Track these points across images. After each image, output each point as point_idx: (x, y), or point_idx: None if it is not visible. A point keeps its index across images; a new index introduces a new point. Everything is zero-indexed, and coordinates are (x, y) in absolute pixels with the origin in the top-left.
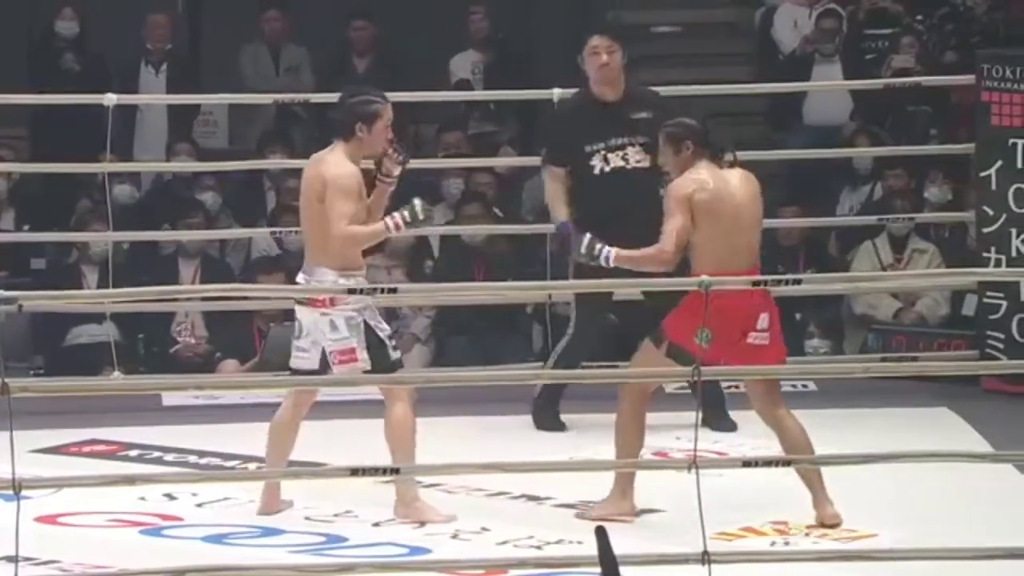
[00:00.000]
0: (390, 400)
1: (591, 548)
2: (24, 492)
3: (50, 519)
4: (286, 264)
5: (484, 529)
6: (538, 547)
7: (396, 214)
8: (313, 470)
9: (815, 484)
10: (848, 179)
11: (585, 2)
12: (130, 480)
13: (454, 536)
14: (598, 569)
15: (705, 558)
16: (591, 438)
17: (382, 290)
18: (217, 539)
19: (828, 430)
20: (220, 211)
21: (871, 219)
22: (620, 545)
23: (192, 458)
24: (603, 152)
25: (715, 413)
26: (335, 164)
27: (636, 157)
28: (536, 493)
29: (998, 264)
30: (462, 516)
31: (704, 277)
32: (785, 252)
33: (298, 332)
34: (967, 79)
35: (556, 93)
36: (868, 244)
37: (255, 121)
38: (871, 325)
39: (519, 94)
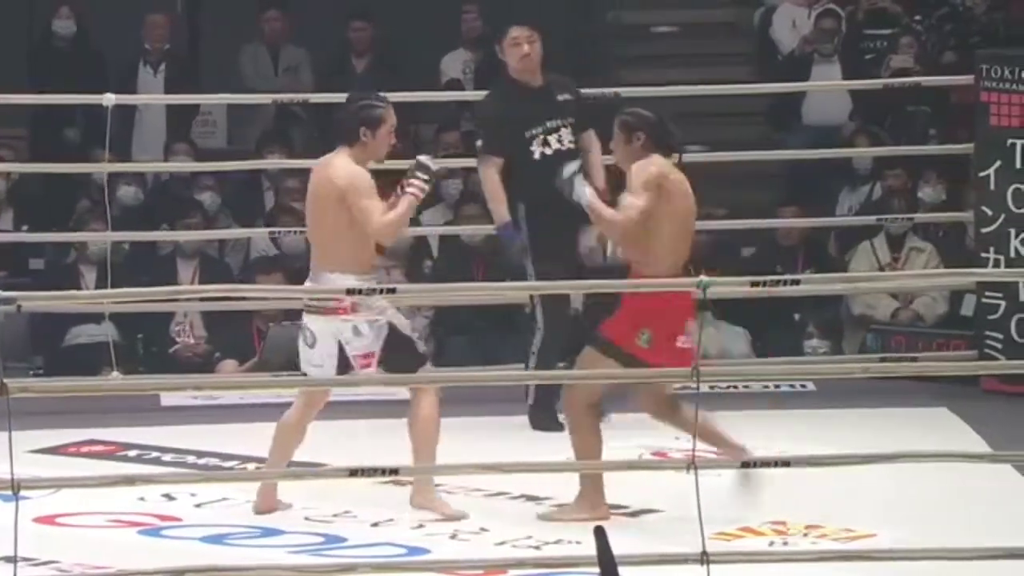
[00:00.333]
0: (418, 396)
1: (590, 548)
2: (23, 492)
3: (49, 519)
4: (284, 264)
5: (483, 529)
6: (537, 547)
7: (413, 180)
8: (312, 471)
9: (715, 436)
10: (847, 179)
11: (585, 2)
12: (129, 480)
13: (453, 536)
14: (597, 569)
15: (704, 558)
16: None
17: (381, 290)
18: (216, 539)
19: (827, 430)
20: (219, 211)
21: (870, 219)
22: (619, 545)
23: (191, 458)
24: (542, 135)
25: (544, 412)
26: (344, 167)
27: (568, 138)
28: (535, 493)
29: (997, 264)
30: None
31: (703, 277)
32: (784, 252)
33: (310, 341)
34: (966, 79)
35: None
36: (866, 244)
37: (254, 121)
38: (870, 325)
39: None
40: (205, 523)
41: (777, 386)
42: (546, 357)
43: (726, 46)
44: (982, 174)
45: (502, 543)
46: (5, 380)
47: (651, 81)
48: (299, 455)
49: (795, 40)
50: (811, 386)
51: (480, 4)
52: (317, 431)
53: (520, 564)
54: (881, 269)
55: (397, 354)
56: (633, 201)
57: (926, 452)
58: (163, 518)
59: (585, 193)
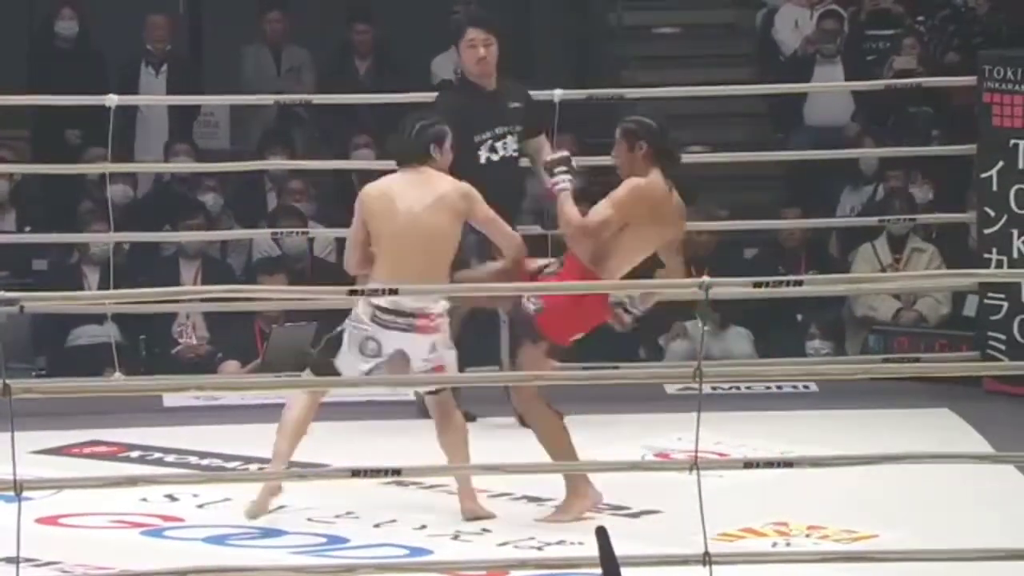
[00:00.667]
0: (448, 407)
1: (592, 549)
2: (25, 493)
3: (51, 520)
4: (287, 265)
5: (485, 530)
6: (539, 548)
7: (559, 179)
8: (315, 471)
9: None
10: (849, 180)
11: (585, 2)
12: (131, 481)
13: (455, 537)
14: (599, 570)
15: (706, 559)
16: (592, 439)
17: (383, 291)
18: (218, 540)
19: (829, 431)
20: (221, 212)
21: (872, 220)
22: (621, 546)
23: (193, 459)
24: (490, 141)
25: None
26: (451, 180)
27: (513, 146)
28: (537, 494)
29: (999, 265)
30: (461, 517)
31: (705, 278)
32: (786, 254)
33: (372, 351)
34: (968, 80)
35: (557, 94)
36: (867, 247)
37: (256, 122)
38: (872, 326)
39: None
40: (207, 524)
41: (779, 387)
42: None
43: (727, 47)
44: (984, 175)
45: (504, 544)
46: (8, 381)
47: (652, 82)
48: (301, 456)
49: (797, 41)
50: (813, 387)
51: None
52: (319, 431)
53: (522, 565)
54: (883, 270)
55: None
56: (599, 208)
57: (928, 453)
58: (165, 519)
59: (565, 187)
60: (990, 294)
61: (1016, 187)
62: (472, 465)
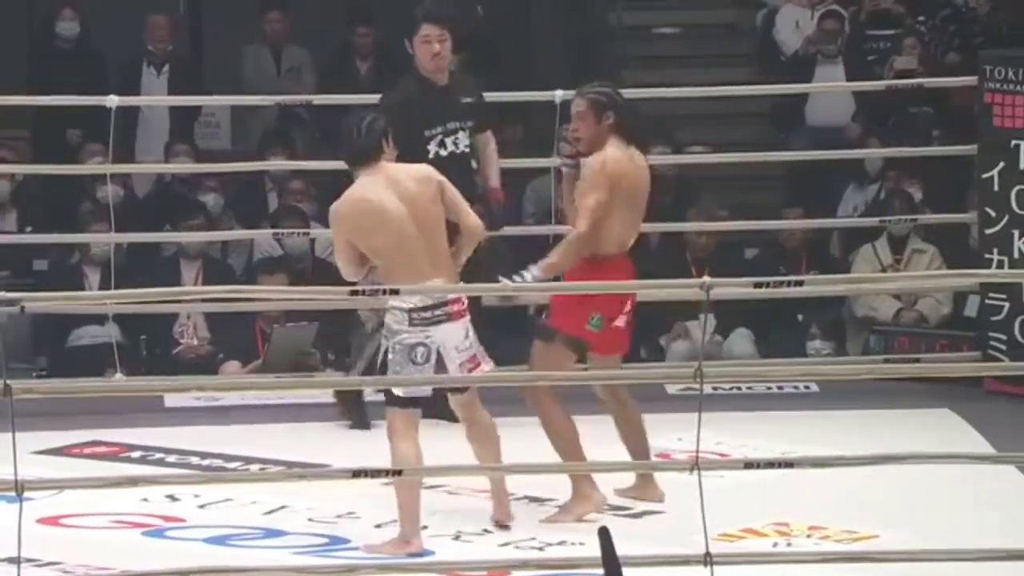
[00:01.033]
0: (473, 407)
1: (593, 549)
2: (26, 493)
3: (52, 520)
4: (288, 265)
5: (486, 531)
6: (540, 548)
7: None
8: (316, 472)
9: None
10: (851, 179)
11: (585, 2)
12: (132, 481)
13: (456, 537)
14: (600, 570)
15: (707, 559)
16: (594, 439)
17: (384, 291)
18: (219, 540)
19: (830, 431)
20: (222, 212)
21: (873, 220)
22: (622, 546)
23: (194, 459)
24: (440, 136)
25: (354, 408)
26: (409, 168)
27: (465, 141)
28: (538, 495)
29: (1000, 266)
30: (464, 517)
31: (706, 279)
32: (787, 254)
33: (424, 356)
34: (969, 80)
35: (558, 95)
36: (868, 248)
37: (257, 122)
38: (873, 326)
39: (520, 95)
40: (208, 524)
41: (780, 387)
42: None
43: (728, 47)
44: (985, 175)
45: (506, 544)
46: (9, 381)
47: (653, 82)
48: (302, 456)
49: (798, 41)
50: (814, 387)
51: (487, 5)
52: (319, 432)
53: (524, 565)
54: (883, 271)
55: None
56: (583, 204)
57: (929, 453)
58: (167, 519)
59: (533, 274)
60: (991, 294)
61: (1017, 187)
62: (472, 465)
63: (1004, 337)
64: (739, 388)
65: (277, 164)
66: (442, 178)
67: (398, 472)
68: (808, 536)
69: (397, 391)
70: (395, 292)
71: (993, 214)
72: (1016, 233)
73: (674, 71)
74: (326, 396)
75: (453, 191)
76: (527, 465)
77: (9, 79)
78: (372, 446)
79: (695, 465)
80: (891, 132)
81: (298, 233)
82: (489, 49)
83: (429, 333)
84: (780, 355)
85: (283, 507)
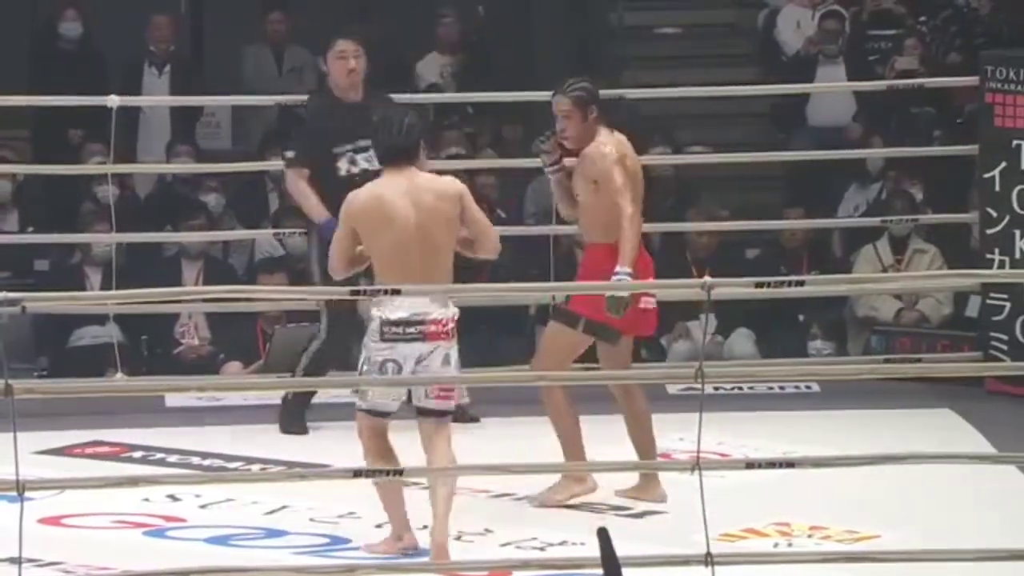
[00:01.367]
0: (438, 441)
1: (594, 549)
2: (27, 493)
3: (54, 520)
4: (289, 265)
5: (487, 531)
6: (541, 548)
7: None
8: (317, 471)
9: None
10: (852, 179)
11: (585, 2)
12: (133, 481)
13: (457, 537)
14: (601, 570)
15: (708, 559)
16: (594, 439)
17: (384, 291)
18: (220, 540)
19: (831, 432)
20: (223, 212)
21: (874, 221)
22: (623, 546)
23: (195, 459)
24: (351, 153)
25: (294, 413)
26: (448, 180)
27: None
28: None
29: (1002, 266)
30: (464, 517)
31: (707, 279)
32: (788, 254)
33: (395, 373)
34: (970, 81)
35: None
36: (869, 249)
37: (258, 122)
38: (874, 327)
39: (520, 95)
40: (210, 524)
41: (781, 387)
42: (318, 362)
43: (729, 47)
44: (987, 175)
45: (506, 544)
46: (10, 381)
47: (654, 82)
48: (303, 457)
49: (800, 41)
50: (815, 387)
51: (459, 8)
52: (320, 432)
53: (524, 565)
54: (884, 271)
55: None
56: (617, 190)
57: (930, 453)
58: (168, 519)
59: (623, 272)
60: (992, 294)
61: (1018, 188)
62: (472, 465)
63: (1005, 337)
64: (740, 388)
65: (278, 164)
66: (468, 197)
67: (399, 472)
68: (809, 536)
69: (361, 404)
70: (397, 292)
71: (994, 214)
72: (1017, 233)
73: (675, 71)
74: (327, 396)
75: (477, 212)
76: (527, 465)
77: (10, 79)
78: None
79: (696, 465)
80: (893, 132)
81: (299, 233)
82: (485, 52)
83: (397, 348)
84: (781, 355)
85: (284, 507)
